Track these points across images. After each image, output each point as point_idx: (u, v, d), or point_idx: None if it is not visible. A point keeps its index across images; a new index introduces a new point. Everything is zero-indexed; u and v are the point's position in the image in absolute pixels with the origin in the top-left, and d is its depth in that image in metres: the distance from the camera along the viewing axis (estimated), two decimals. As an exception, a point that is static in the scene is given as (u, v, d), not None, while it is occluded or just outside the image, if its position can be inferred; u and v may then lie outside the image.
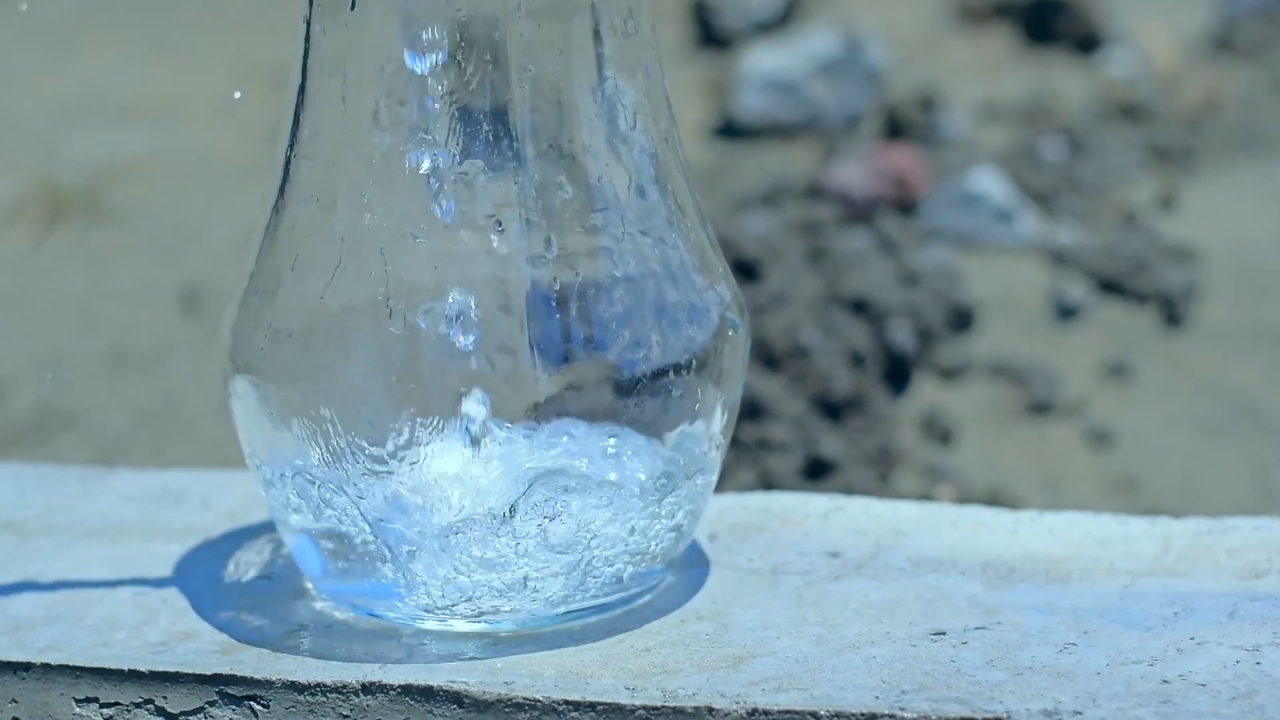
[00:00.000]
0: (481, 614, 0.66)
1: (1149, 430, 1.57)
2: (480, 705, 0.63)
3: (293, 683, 0.64)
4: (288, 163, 0.67)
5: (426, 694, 0.63)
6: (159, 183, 2.30)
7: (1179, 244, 1.83)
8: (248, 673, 0.65)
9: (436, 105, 0.64)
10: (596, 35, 0.65)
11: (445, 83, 0.64)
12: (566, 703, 0.62)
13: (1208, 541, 0.72)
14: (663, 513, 0.67)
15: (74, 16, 2.89)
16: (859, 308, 1.58)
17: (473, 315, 0.64)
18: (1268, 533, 0.72)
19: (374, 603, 0.67)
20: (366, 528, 0.65)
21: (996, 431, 1.55)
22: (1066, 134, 2.17)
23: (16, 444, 1.67)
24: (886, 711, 0.60)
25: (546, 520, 0.64)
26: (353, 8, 0.64)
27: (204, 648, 0.67)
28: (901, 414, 1.54)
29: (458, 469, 0.64)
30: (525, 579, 0.65)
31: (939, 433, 1.52)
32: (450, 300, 0.64)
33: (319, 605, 0.70)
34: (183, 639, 0.68)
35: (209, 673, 0.65)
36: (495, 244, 0.64)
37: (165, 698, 0.65)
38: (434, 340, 0.64)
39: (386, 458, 0.64)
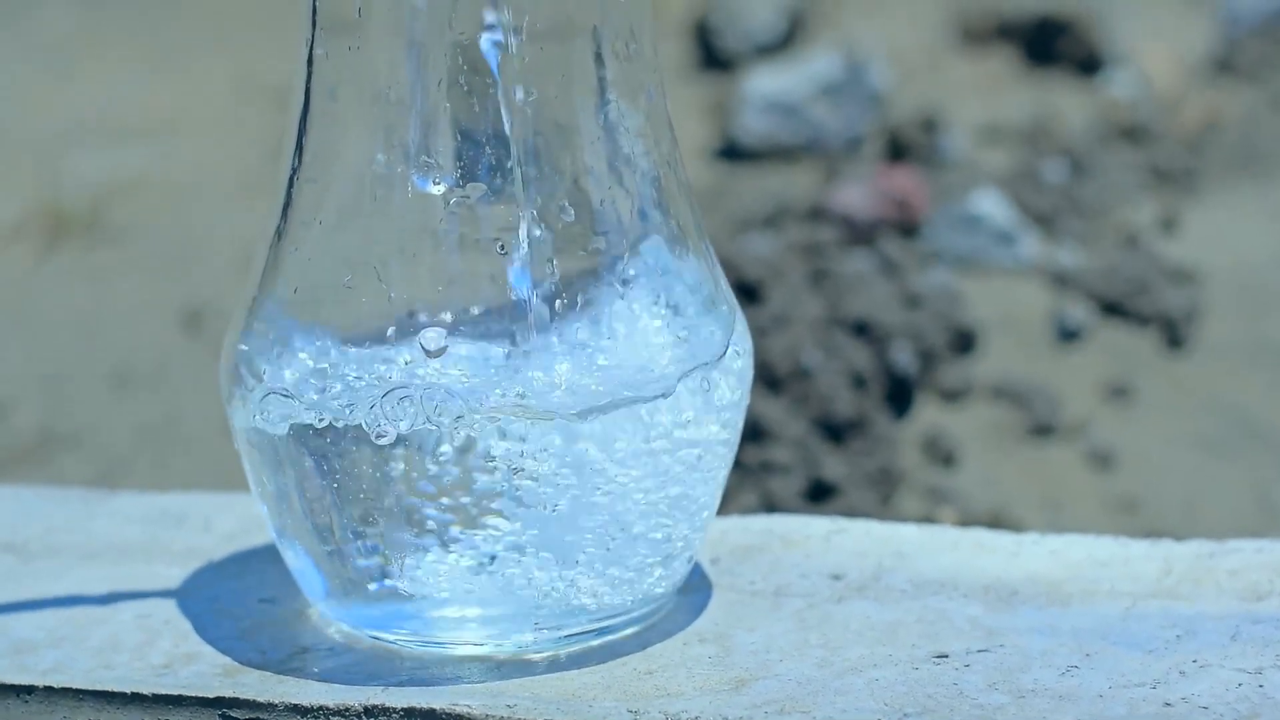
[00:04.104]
0: (484, 636, 0.66)
1: (1150, 451, 1.57)
2: (482, 728, 0.63)
3: (295, 705, 0.64)
4: (290, 185, 0.67)
5: (429, 717, 0.63)
6: (161, 201, 2.30)
7: (1180, 265, 1.83)
8: (250, 695, 0.65)
9: (439, 129, 0.64)
10: (598, 58, 0.65)
11: (447, 106, 0.64)
12: (569, 725, 0.62)
13: (1209, 563, 0.72)
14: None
15: (74, 34, 2.89)
16: (861, 329, 1.58)
17: (475, 338, 0.64)
18: (1270, 555, 0.72)
19: (377, 625, 0.67)
20: (370, 549, 0.65)
21: (998, 453, 1.55)
22: (1068, 155, 2.18)
23: (19, 463, 1.67)
24: (889, 735, 0.60)
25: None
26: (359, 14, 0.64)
27: (207, 670, 0.67)
28: (903, 436, 1.54)
29: (459, 486, 0.64)
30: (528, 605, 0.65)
31: (941, 454, 1.52)
32: (452, 324, 0.64)
33: (322, 627, 0.70)
34: (185, 661, 0.68)
35: (212, 695, 0.65)
36: (497, 267, 0.64)
37: (167, 720, 0.65)
38: (435, 363, 0.64)
39: (389, 477, 0.64)
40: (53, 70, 2.76)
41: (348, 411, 0.64)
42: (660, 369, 0.65)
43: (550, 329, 0.64)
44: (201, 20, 2.94)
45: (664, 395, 0.65)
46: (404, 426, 0.63)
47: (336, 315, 0.65)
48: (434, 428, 0.63)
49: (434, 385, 0.63)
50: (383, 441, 0.63)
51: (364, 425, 0.63)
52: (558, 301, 0.64)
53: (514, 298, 0.64)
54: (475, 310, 0.64)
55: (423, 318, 0.64)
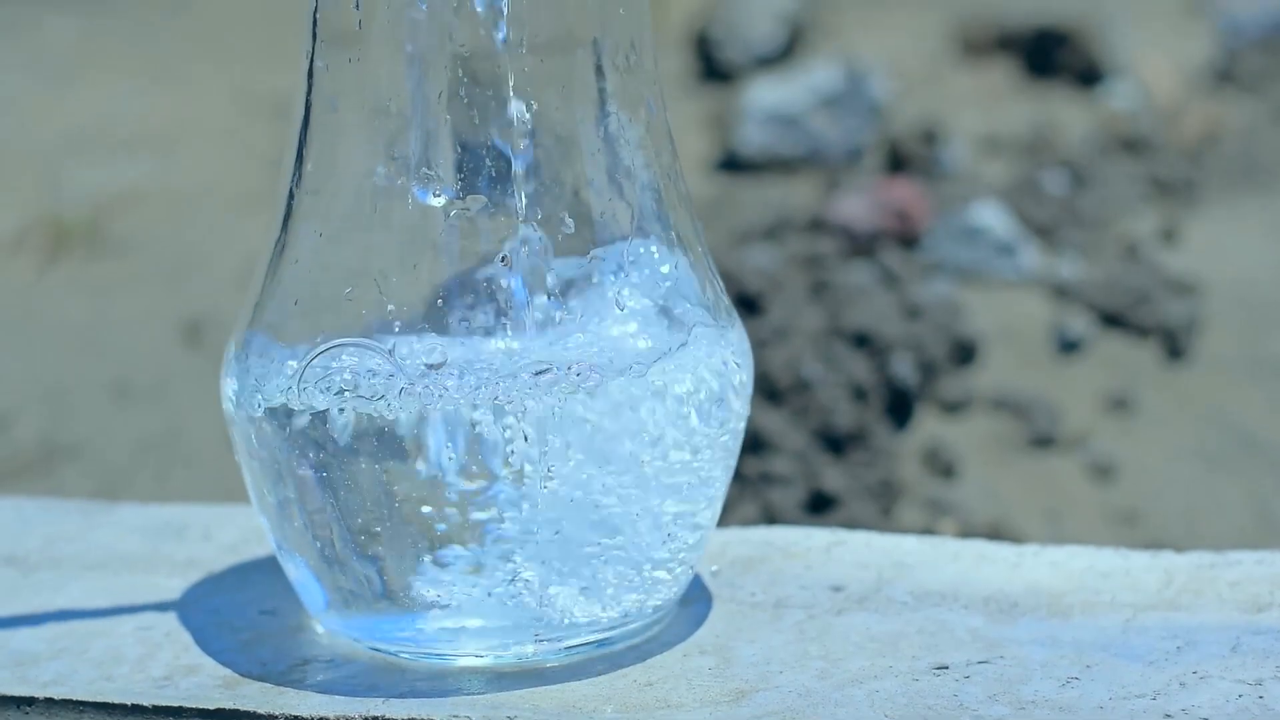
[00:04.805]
0: (485, 647, 0.66)
1: (1151, 463, 1.57)
2: (483, 739, 0.63)
3: (296, 717, 0.64)
4: (290, 196, 0.67)
5: (429, 728, 0.63)
6: (161, 213, 2.30)
7: (1181, 277, 1.83)
8: (251, 707, 0.65)
9: (439, 141, 0.64)
10: (598, 70, 0.65)
11: (448, 118, 0.64)
12: (569, 737, 0.62)
13: (1210, 575, 0.72)
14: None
15: (75, 46, 2.90)
16: (861, 341, 1.58)
17: (475, 349, 0.64)
18: (1270, 566, 0.73)
19: (377, 636, 0.67)
20: (370, 560, 0.65)
21: (999, 464, 1.55)
22: (1068, 167, 2.18)
23: (20, 475, 1.67)
24: (889, 746, 0.60)
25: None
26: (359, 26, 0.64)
27: (207, 682, 0.67)
28: (903, 447, 1.54)
29: (459, 497, 0.64)
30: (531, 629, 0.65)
31: (941, 466, 1.52)
32: (452, 335, 0.64)
33: (322, 639, 0.70)
34: (186, 673, 0.68)
35: (212, 707, 0.65)
36: (497, 279, 0.64)
37: (168, 732, 0.65)
38: (436, 376, 0.64)
39: (389, 489, 0.64)
40: (53, 82, 2.76)
41: (343, 402, 0.64)
42: (659, 377, 0.65)
43: (550, 339, 0.64)
44: (202, 32, 2.95)
45: (662, 402, 0.65)
46: (404, 437, 0.63)
47: (337, 327, 0.65)
48: (433, 437, 0.63)
49: (433, 396, 0.63)
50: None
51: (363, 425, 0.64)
52: (558, 313, 0.64)
53: (514, 309, 0.64)
54: (475, 321, 0.64)
55: (422, 329, 0.64)
